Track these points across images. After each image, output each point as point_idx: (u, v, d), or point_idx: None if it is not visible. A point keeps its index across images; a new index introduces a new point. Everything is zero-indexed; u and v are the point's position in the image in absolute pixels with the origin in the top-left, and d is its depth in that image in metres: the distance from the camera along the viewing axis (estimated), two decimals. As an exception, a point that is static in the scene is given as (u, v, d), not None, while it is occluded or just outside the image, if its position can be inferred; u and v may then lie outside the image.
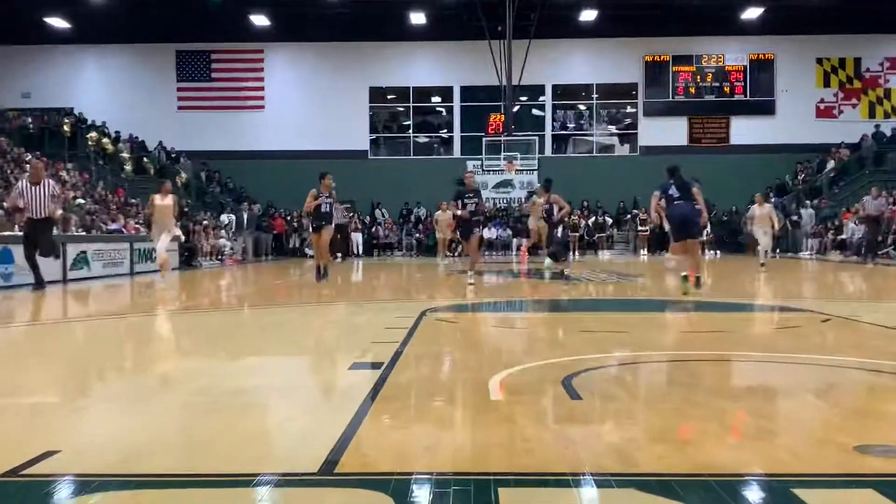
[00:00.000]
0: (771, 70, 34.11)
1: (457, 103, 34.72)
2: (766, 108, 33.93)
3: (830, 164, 31.64)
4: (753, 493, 2.64)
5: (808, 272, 19.20)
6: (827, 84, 34.05)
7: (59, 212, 13.18)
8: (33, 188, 11.97)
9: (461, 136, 34.60)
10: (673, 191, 10.44)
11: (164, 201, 13.24)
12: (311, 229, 13.14)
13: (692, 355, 5.80)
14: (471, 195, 13.11)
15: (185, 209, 24.01)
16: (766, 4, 30.83)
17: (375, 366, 5.17)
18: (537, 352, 6.18)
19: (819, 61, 33.96)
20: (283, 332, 7.24)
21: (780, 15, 31.39)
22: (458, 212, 13.05)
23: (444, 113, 35.43)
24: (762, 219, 18.08)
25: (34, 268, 12.15)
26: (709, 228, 24.26)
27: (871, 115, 33.83)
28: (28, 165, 12.97)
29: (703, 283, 10.68)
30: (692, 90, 34.19)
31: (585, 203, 31.85)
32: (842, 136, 32.63)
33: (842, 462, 2.95)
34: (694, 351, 6.04)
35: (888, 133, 32.54)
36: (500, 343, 6.82)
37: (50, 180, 12.80)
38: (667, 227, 11.35)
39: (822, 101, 33.97)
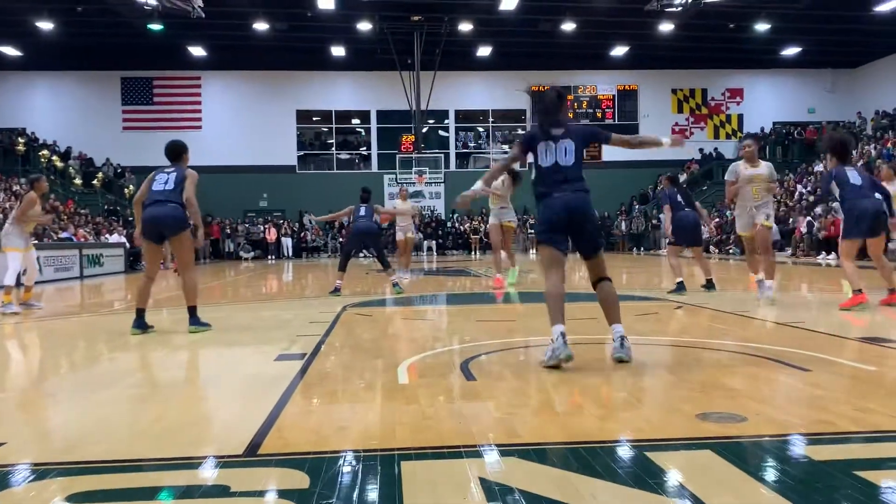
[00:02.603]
0: (635, 98, 35.23)
1: (373, 125, 34.60)
2: (631, 131, 34.90)
3: (683, 177, 32.89)
4: (614, 458, 2.69)
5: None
6: (680, 110, 35.41)
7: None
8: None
9: (378, 154, 34.49)
10: (679, 199, 9.88)
11: (39, 204, 9.35)
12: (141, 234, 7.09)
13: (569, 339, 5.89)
14: None
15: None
16: (630, 44, 31.83)
17: (299, 356, 5.08)
18: (441, 339, 6.18)
19: (674, 91, 35.29)
20: (217, 328, 7.01)
21: (642, 53, 32.52)
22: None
23: (363, 133, 35.24)
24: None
25: None
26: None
27: (716, 136, 35.38)
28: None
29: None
30: (570, 115, 34.88)
31: (483, 210, 32.15)
32: (693, 153, 34.01)
33: (686, 428, 3.03)
34: (570, 335, 6.13)
35: (717, 152, 34.23)
36: (409, 333, 6.78)
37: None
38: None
39: (676, 124, 35.29)
